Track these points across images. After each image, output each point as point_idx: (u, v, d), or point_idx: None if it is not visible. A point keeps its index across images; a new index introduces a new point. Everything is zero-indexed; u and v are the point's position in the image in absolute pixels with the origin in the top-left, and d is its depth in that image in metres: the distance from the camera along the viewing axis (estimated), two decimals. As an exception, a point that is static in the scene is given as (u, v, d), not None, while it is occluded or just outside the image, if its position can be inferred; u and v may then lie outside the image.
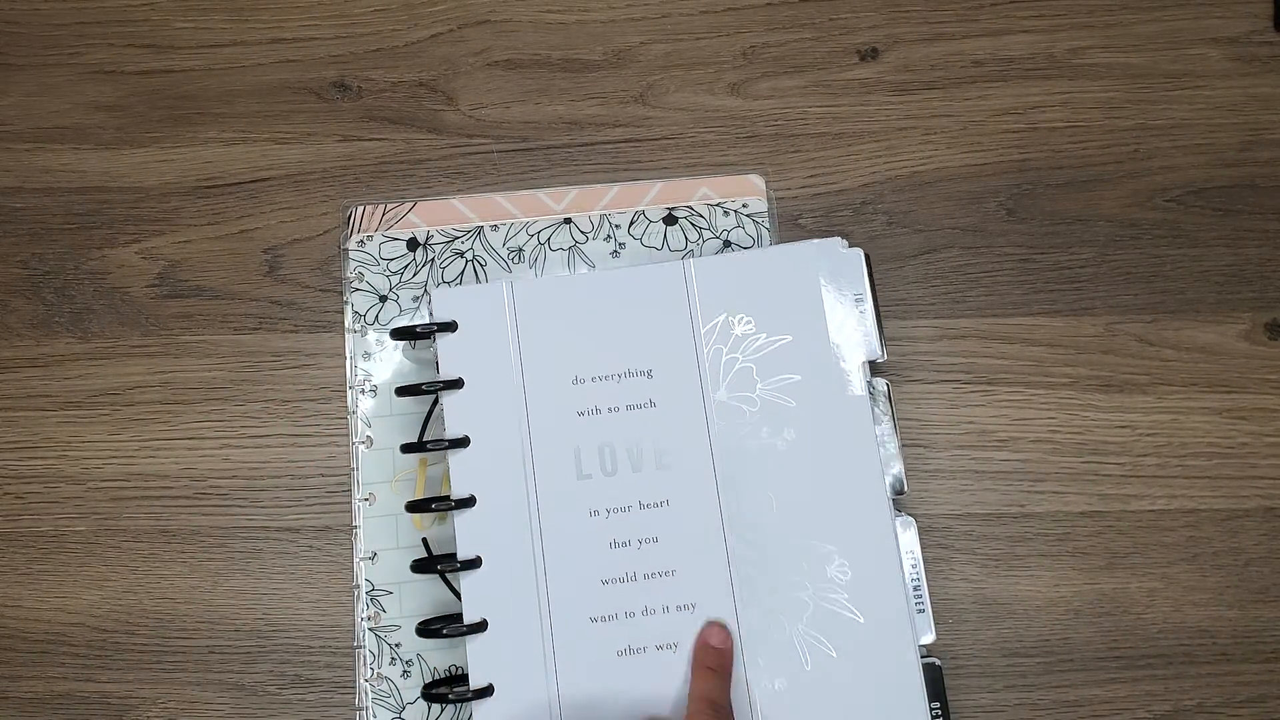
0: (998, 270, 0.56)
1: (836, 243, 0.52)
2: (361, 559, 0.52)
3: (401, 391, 0.52)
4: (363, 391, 0.54)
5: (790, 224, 0.57)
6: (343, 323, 0.55)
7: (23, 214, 0.58)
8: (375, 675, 0.51)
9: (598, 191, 0.57)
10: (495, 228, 0.56)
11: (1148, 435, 0.54)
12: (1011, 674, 0.51)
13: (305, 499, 0.54)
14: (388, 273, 0.55)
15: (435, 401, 0.53)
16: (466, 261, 0.56)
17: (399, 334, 0.52)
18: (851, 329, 0.51)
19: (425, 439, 0.52)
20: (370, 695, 0.50)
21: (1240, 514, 0.53)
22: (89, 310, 0.56)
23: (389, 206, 0.57)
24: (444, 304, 0.51)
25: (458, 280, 0.55)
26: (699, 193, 0.57)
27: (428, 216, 0.57)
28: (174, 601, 0.53)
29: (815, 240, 0.52)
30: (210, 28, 0.60)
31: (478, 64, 0.60)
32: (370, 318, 0.55)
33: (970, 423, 0.54)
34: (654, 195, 0.57)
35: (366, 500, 0.53)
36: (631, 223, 0.56)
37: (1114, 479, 0.53)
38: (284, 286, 0.57)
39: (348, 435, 0.54)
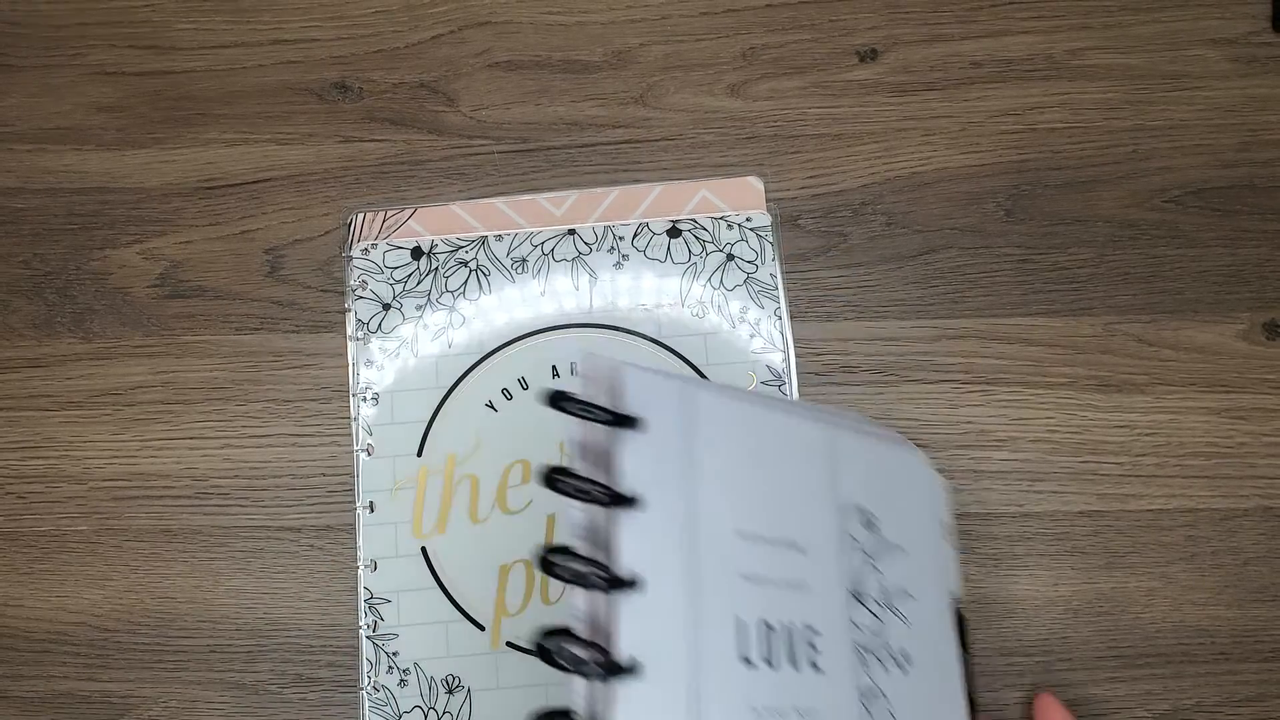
0: (996, 270, 0.56)
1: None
2: (362, 567, 0.52)
3: (557, 400, 0.36)
4: (364, 399, 0.54)
5: (790, 224, 0.57)
6: (345, 329, 0.55)
7: (25, 214, 0.58)
8: (371, 684, 0.51)
9: (597, 196, 0.57)
10: (499, 237, 0.56)
11: (1146, 435, 0.54)
12: (1010, 674, 0.51)
13: (306, 499, 0.54)
14: (391, 281, 0.55)
15: (438, 408, 0.53)
16: (470, 271, 0.56)
17: (558, 402, 0.35)
18: (945, 557, 0.47)
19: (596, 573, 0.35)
20: (367, 703, 0.51)
21: (1239, 514, 0.53)
22: (91, 310, 0.56)
23: (389, 213, 0.57)
24: (635, 392, 0.37)
25: (461, 290, 0.55)
26: (698, 195, 0.57)
27: (429, 223, 0.57)
28: (175, 601, 0.53)
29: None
30: (212, 29, 0.61)
31: (478, 65, 0.60)
32: (374, 325, 0.55)
33: (969, 423, 0.54)
34: (654, 198, 0.57)
35: (367, 508, 0.53)
36: (635, 234, 0.56)
37: (1112, 479, 0.53)
38: (285, 287, 0.57)
39: (350, 438, 0.54)
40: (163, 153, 0.59)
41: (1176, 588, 0.52)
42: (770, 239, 0.56)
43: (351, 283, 0.55)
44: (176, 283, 0.57)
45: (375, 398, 0.54)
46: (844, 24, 0.60)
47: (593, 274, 0.55)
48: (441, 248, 0.56)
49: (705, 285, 0.55)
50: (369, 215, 0.57)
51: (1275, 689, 0.51)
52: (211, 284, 0.57)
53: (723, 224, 0.56)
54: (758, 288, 0.55)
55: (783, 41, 0.60)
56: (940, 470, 0.53)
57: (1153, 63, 0.59)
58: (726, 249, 0.56)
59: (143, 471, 0.54)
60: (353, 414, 0.54)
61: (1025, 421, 0.54)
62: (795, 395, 0.54)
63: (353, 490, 0.54)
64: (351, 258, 0.55)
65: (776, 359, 0.54)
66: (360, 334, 0.55)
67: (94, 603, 0.53)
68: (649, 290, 0.55)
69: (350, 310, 0.55)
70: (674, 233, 0.56)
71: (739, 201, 0.57)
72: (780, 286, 0.55)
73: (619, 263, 0.56)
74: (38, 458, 0.55)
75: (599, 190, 0.57)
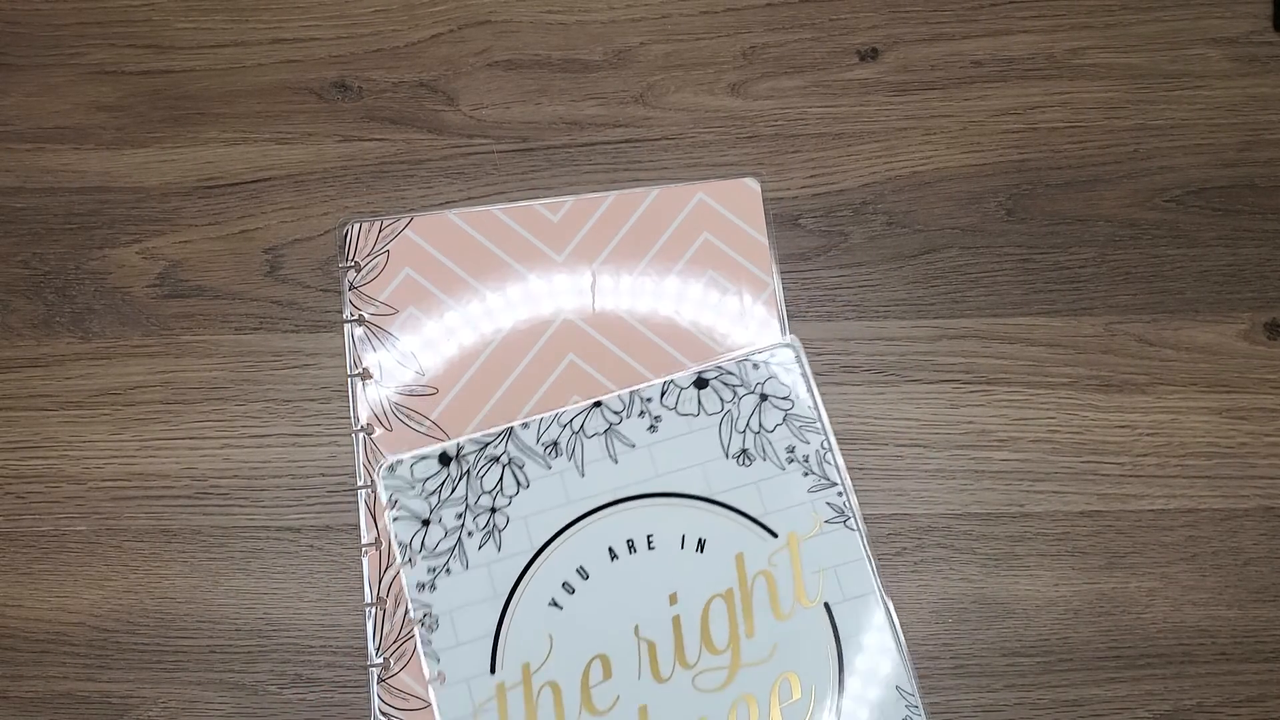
0: (997, 270, 0.56)
1: None
2: None
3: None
4: (423, 624, 0.51)
5: (790, 224, 0.57)
6: (370, 511, 0.53)
7: (24, 214, 0.58)
8: None
9: (594, 201, 0.57)
10: (526, 425, 0.53)
11: (1147, 435, 0.54)
12: (1011, 674, 0.51)
13: (306, 499, 0.54)
14: (424, 494, 0.52)
15: (501, 618, 0.51)
16: (503, 466, 0.53)
17: None
18: None
19: None
20: None
21: (1239, 514, 0.53)
22: (90, 310, 0.56)
23: (385, 223, 0.57)
24: None
25: (497, 488, 0.53)
26: (695, 198, 0.57)
27: (425, 232, 0.57)
28: (175, 601, 0.53)
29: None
30: (211, 28, 0.60)
31: (478, 64, 0.60)
32: (416, 545, 0.52)
33: (970, 423, 0.54)
34: (650, 201, 0.57)
35: None
36: (663, 393, 0.54)
37: (1113, 479, 0.53)
38: (284, 286, 0.57)
39: (349, 438, 0.54)
40: (162, 152, 0.59)
41: (1177, 588, 0.52)
42: (801, 372, 0.54)
43: (385, 500, 0.52)
44: (176, 282, 0.57)
45: (435, 621, 0.51)
46: (844, 23, 0.60)
47: (628, 443, 0.53)
48: (469, 447, 0.53)
49: (745, 431, 0.53)
50: (365, 226, 0.57)
51: (1276, 689, 0.51)
52: (211, 284, 0.57)
53: (748, 365, 0.54)
54: (799, 423, 0.53)
55: (783, 40, 0.60)
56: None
57: (1154, 62, 0.59)
58: (758, 389, 0.54)
59: (142, 471, 0.54)
60: (420, 644, 0.51)
61: (1026, 421, 0.54)
62: (860, 528, 0.52)
63: (353, 491, 0.54)
64: (376, 479, 0.53)
65: (833, 494, 0.52)
66: (406, 556, 0.52)
67: (93, 603, 0.53)
68: (689, 448, 0.53)
69: (391, 535, 0.52)
70: (701, 384, 0.54)
71: (736, 204, 0.57)
72: (823, 416, 0.53)
73: (652, 425, 0.53)
74: (37, 458, 0.55)
75: (595, 195, 0.57)
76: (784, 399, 0.54)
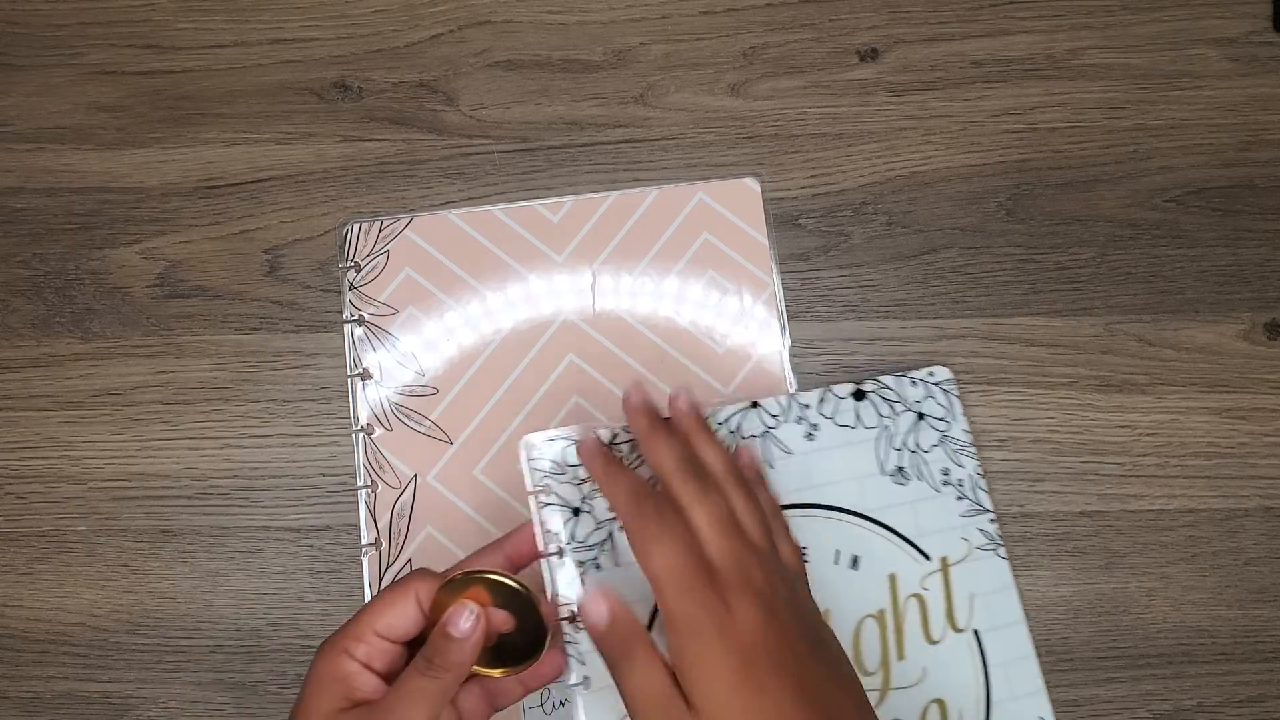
0: (997, 270, 0.56)
1: None
2: None
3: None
4: (578, 627, 0.44)
5: (790, 224, 0.57)
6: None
7: (24, 214, 0.58)
8: None
9: (593, 201, 0.57)
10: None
11: (1147, 435, 0.54)
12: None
13: (306, 499, 0.54)
14: (575, 481, 0.46)
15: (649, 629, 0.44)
16: None
17: None
18: None
19: None
20: None
21: (1239, 514, 0.53)
22: (90, 310, 0.56)
23: (385, 223, 0.57)
24: None
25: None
26: (695, 198, 0.57)
27: (425, 232, 0.57)
28: (175, 601, 0.53)
29: None
30: (211, 28, 0.60)
31: (478, 64, 0.60)
32: (567, 536, 0.45)
33: (970, 422, 0.54)
34: (650, 202, 0.57)
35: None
36: (821, 401, 0.52)
37: (1113, 479, 0.53)
38: (285, 286, 0.57)
39: (349, 438, 0.54)
40: (162, 152, 0.59)
41: (1177, 588, 0.52)
42: (955, 393, 0.53)
43: (532, 485, 0.46)
44: (176, 282, 0.57)
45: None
46: (844, 23, 0.60)
47: (785, 449, 0.51)
48: (622, 436, 0.48)
49: (902, 449, 0.52)
50: (364, 226, 0.57)
51: (1276, 689, 0.51)
52: (211, 284, 0.57)
53: (906, 381, 0.53)
54: (954, 445, 0.53)
55: (783, 41, 0.60)
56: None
57: (1154, 62, 0.59)
58: (915, 407, 0.53)
59: (142, 472, 0.54)
60: (565, 644, 0.44)
61: (1026, 421, 0.54)
62: (1009, 558, 0.52)
63: (353, 491, 0.54)
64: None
65: (985, 520, 0.52)
66: (555, 546, 0.45)
67: (93, 603, 0.53)
68: (846, 460, 0.52)
69: (536, 521, 0.46)
70: (859, 395, 0.53)
71: (736, 204, 0.57)
72: (973, 443, 0.53)
73: (810, 434, 0.52)
74: (37, 458, 0.55)
75: (595, 195, 0.57)
76: (940, 419, 0.53)
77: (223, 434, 0.55)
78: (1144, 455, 0.54)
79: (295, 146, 0.59)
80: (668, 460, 0.43)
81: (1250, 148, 0.57)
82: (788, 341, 0.55)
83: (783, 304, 0.55)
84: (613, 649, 0.41)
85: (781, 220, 0.57)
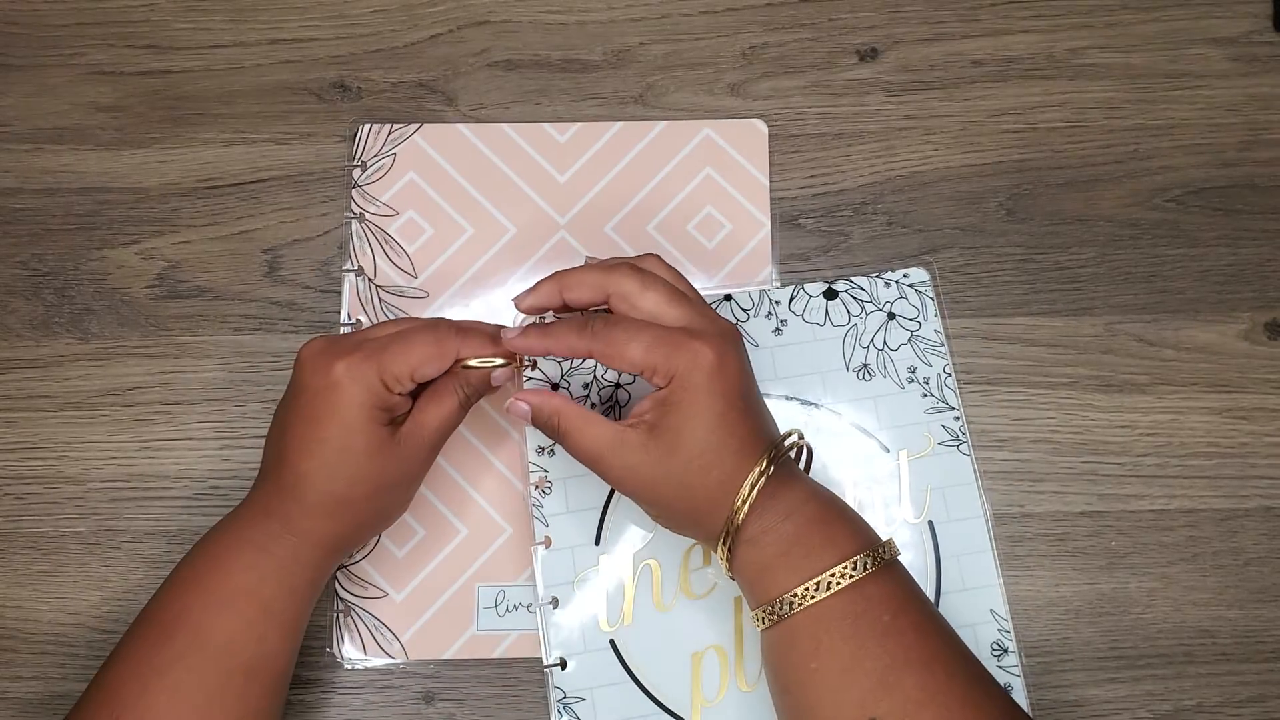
0: (998, 270, 0.56)
1: None
2: (549, 666, 0.50)
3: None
4: (536, 486, 0.52)
5: (790, 224, 0.57)
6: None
7: (23, 215, 0.58)
8: None
9: (602, 127, 0.58)
10: None
11: (1147, 435, 0.54)
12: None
13: (305, 499, 0.54)
14: (559, 358, 0.53)
15: (612, 493, 0.52)
16: None
17: None
18: None
19: None
20: None
21: (1240, 514, 0.53)
22: (89, 311, 0.56)
23: (395, 128, 0.58)
24: None
25: None
26: (701, 134, 0.58)
27: (434, 140, 0.58)
28: (174, 602, 0.53)
29: None
30: (210, 28, 0.60)
31: (477, 64, 0.60)
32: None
33: (970, 422, 0.54)
34: (655, 134, 0.58)
35: (551, 604, 0.50)
36: (791, 299, 0.54)
37: (1113, 479, 0.53)
38: (284, 287, 0.57)
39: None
40: (161, 153, 0.59)
41: (1178, 588, 0.52)
42: (929, 294, 0.54)
43: (526, 358, 0.49)
44: (175, 283, 0.57)
45: (549, 486, 0.52)
46: (844, 23, 0.60)
47: (753, 342, 0.54)
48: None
49: (869, 346, 0.54)
50: (374, 128, 0.58)
51: (1277, 690, 0.51)
52: (210, 284, 0.57)
53: (879, 282, 0.54)
54: (923, 345, 0.54)
55: (783, 40, 0.60)
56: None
57: (1154, 62, 0.59)
58: (886, 307, 0.54)
59: (141, 472, 0.54)
60: (530, 506, 0.52)
61: (1026, 421, 0.54)
62: (972, 454, 0.53)
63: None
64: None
65: (950, 418, 0.53)
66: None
67: (93, 604, 0.53)
68: (811, 356, 0.54)
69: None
70: (830, 294, 0.54)
71: (742, 144, 0.57)
72: (946, 343, 0.54)
73: (778, 329, 0.54)
74: (36, 458, 0.55)
75: (603, 123, 0.58)
76: (911, 319, 0.54)
77: (222, 434, 0.55)
78: (1144, 455, 0.54)
79: (294, 146, 0.58)
80: (593, 293, 0.45)
81: (1250, 147, 0.57)
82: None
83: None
84: (546, 427, 0.45)
85: (781, 220, 0.57)
